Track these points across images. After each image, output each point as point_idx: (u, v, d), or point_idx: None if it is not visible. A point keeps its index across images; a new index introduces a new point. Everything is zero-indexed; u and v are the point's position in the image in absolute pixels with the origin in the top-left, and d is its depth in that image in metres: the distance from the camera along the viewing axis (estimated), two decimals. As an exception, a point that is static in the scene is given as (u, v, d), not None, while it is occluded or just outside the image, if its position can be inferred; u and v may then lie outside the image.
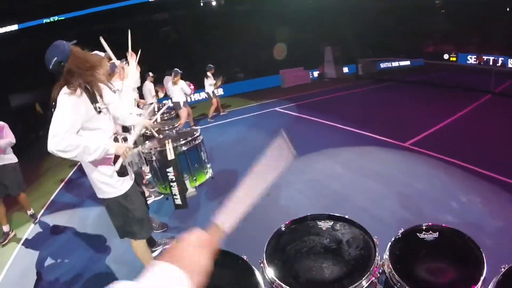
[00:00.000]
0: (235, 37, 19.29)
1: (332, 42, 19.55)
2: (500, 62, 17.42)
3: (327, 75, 19.69)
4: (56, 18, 16.90)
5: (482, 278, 1.51)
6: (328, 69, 19.72)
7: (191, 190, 4.56)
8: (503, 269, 1.54)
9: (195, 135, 4.57)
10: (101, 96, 2.52)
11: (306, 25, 20.37)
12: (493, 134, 6.73)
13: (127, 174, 2.72)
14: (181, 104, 9.38)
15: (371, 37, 20.91)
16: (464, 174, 4.98)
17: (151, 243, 3.76)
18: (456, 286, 1.55)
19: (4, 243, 4.74)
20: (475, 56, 18.60)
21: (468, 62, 18.74)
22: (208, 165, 4.93)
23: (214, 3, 20.66)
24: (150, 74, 9.67)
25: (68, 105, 2.23)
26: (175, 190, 3.96)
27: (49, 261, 4.15)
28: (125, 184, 2.70)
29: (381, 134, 7.14)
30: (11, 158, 4.80)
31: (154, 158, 4.29)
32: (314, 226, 2.06)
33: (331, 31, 20.31)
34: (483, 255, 1.64)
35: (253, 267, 1.78)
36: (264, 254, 1.83)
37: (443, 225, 1.91)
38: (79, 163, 7.97)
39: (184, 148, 4.35)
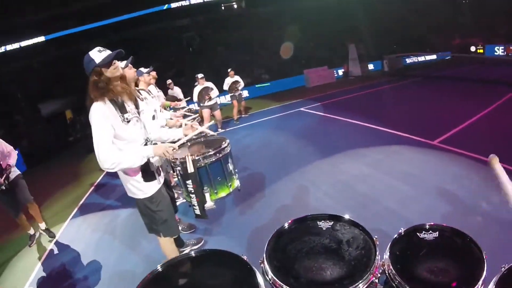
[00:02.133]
0: (258, 39, 19.39)
1: (356, 40, 19.29)
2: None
3: (352, 73, 19.47)
4: (80, 29, 17.49)
5: (482, 277, 1.53)
6: (353, 67, 19.50)
7: (209, 204, 4.56)
8: (503, 268, 1.55)
9: (221, 147, 4.51)
10: (135, 103, 2.69)
11: (329, 23, 20.23)
12: (527, 129, 6.49)
13: (155, 179, 2.84)
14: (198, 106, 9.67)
15: (395, 32, 20.55)
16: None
17: (180, 244, 3.86)
18: (457, 285, 1.55)
19: (31, 245, 5.08)
20: (503, 47, 17.86)
21: (496, 54, 18.04)
22: (235, 176, 4.90)
23: (235, 6, 20.78)
24: (168, 81, 9.87)
25: (100, 120, 2.39)
26: (194, 201, 4.01)
27: (79, 260, 4.38)
28: (152, 188, 2.83)
29: (409, 132, 7.00)
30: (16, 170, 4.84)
31: (178, 168, 4.40)
32: (314, 226, 2.08)
33: (355, 28, 20.10)
34: (483, 254, 1.66)
35: (253, 267, 1.78)
36: (264, 254, 1.86)
37: (444, 224, 1.92)
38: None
39: (207, 160, 4.35)
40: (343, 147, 6.70)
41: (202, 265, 1.96)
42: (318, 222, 2.10)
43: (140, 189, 2.79)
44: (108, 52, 2.46)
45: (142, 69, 4.83)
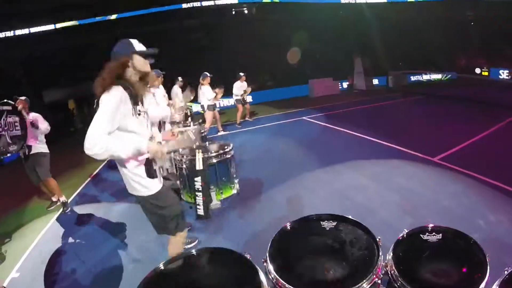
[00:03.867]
0: (266, 46, 19.43)
1: (363, 53, 19.37)
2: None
3: (357, 87, 19.57)
4: (89, 21, 17.51)
5: (485, 280, 1.52)
6: (358, 80, 19.60)
7: (216, 202, 4.66)
8: (506, 271, 1.54)
9: (227, 150, 4.69)
10: (141, 101, 2.60)
11: (337, 35, 20.32)
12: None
13: (156, 177, 2.70)
14: (205, 107, 9.55)
15: (401, 48, 20.64)
16: (493, 192, 4.80)
17: None
18: None
19: (50, 208, 5.80)
20: (508, 71, 17.92)
21: (500, 77, 18.10)
22: (236, 180, 5.01)
23: (246, 11, 20.89)
24: (179, 78, 9.86)
25: (110, 106, 2.28)
26: (200, 200, 4.02)
27: (70, 251, 4.33)
28: (156, 185, 2.70)
29: (410, 148, 7.02)
30: (44, 147, 5.42)
31: (184, 166, 4.42)
32: (317, 226, 2.06)
33: (362, 42, 20.18)
34: (486, 257, 1.65)
35: (257, 266, 1.77)
36: (268, 253, 1.84)
37: (447, 226, 1.91)
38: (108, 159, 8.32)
39: (214, 160, 4.47)
40: (343, 158, 6.71)
41: (204, 263, 1.94)
42: (321, 222, 2.08)
43: (144, 185, 2.63)
44: (144, 48, 2.53)
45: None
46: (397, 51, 20.67)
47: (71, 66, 15.73)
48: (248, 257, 1.84)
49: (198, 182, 3.98)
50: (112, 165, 7.88)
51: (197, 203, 4.05)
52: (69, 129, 15.01)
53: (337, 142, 8.50)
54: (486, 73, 18.90)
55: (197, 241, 4.03)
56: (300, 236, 2.01)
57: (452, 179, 5.40)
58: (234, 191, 4.93)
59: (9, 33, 15.77)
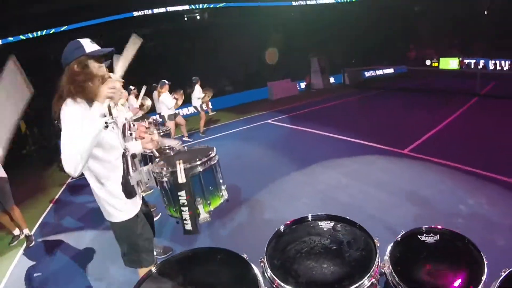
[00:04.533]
0: (221, 50, 19.33)
1: (318, 53, 19.72)
2: (481, 64, 17.86)
3: (314, 86, 19.82)
4: (37, 34, 16.62)
5: (482, 281, 1.53)
6: (315, 79, 19.86)
7: (204, 216, 4.31)
8: (503, 273, 1.55)
9: (211, 155, 4.32)
10: (109, 110, 2.24)
11: (291, 37, 20.59)
12: (486, 136, 6.89)
13: (135, 195, 2.49)
14: (166, 117, 9.22)
15: (355, 46, 21.27)
16: (466, 177, 5.04)
17: None
18: None
19: (13, 244, 5.23)
20: (456, 61, 19.00)
21: (450, 66, 19.10)
22: (223, 187, 4.68)
23: (198, 17, 20.67)
24: (132, 87, 9.32)
25: (76, 117, 1.99)
26: (186, 215, 3.71)
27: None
28: (135, 206, 2.48)
29: (379, 143, 7.17)
30: (2, 172, 4.84)
31: (165, 179, 4.06)
32: (315, 226, 2.07)
33: (316, 41, 20.57)
34: (484, 258, 1.67)
35: (254, 266, 1.76)
36: (265, 254, 1.84)
37: (443, 227, 1.93)
38: (67, 182, 7.76)
39: (198, 169, 4.11)
40: (316, 158, 6.70)
41: (201, 263, 1.91)
42: (319, 222, 2.08)
43: (121, 209, 2.37)
44: (98, 47, 2.18)
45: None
46: (351, 49, 21.27)
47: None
48: (245, 257, 1.83)
49: (182, 196, 3.64)
50: (75, 186, 7.40)
51: (184, 218, 3.74)
52: (21, 152, 14.04)
53: (307, 143, 8.49)
54: (436, 64, 19.85)
55: (171, 252, 3.89)
56: (297, 236, 1.99)
57: (425, 169, 5.60)
58: (223, 200, 4.60)
59: None
